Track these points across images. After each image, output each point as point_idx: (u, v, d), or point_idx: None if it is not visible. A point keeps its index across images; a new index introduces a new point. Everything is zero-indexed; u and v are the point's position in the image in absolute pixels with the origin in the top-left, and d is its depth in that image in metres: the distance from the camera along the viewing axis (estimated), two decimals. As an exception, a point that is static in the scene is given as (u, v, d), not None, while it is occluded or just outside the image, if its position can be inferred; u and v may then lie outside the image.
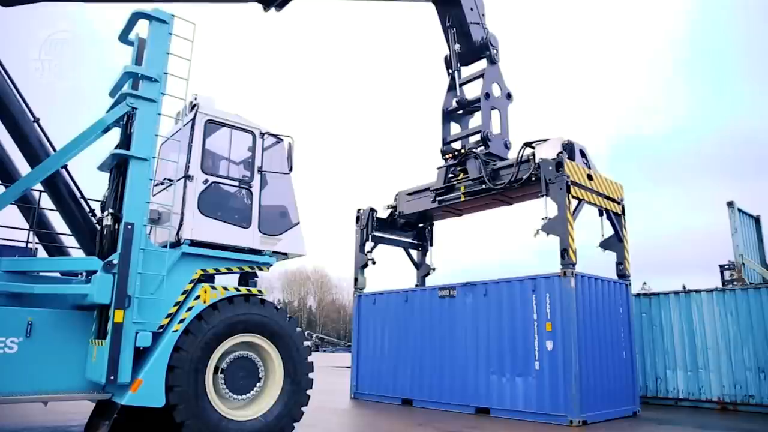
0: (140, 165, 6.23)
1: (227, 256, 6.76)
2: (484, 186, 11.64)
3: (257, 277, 7.12)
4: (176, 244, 6.42)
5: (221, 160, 7.37)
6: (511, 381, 10.03)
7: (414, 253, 15.07)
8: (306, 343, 7.14)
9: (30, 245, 7.81)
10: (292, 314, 11.03)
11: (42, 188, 7.17)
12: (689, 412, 11.25)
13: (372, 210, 13.86)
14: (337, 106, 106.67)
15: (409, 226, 14.63)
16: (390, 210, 14.16)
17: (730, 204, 14.52)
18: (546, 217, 10.09)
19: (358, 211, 14.04)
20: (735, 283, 14.78)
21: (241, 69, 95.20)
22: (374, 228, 13.79)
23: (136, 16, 6.75)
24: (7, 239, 7.64)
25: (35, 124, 7.14)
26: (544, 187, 10.19)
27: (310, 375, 7.00)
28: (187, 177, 6.56)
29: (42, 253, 7.99)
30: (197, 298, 6.30)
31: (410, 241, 14.94)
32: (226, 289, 6.56)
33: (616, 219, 11.44)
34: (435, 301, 11.83)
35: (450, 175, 12.54)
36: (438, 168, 12.91)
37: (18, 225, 7.55)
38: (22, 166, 7.21)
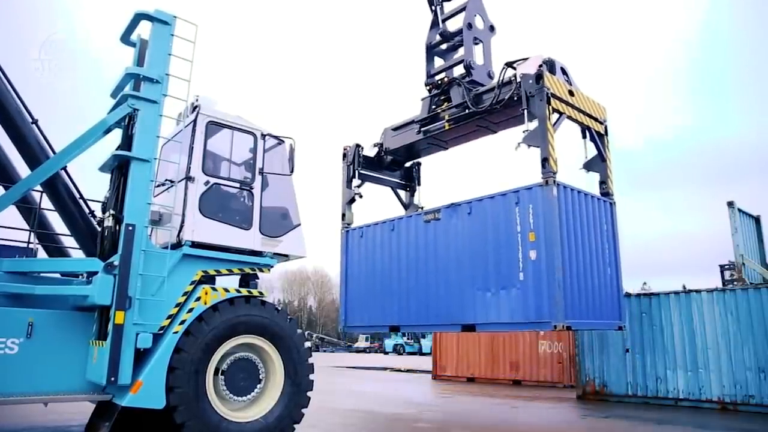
0: (141, 166, 6.22)
1: (228, 257, 6.75)
2: (467, 111, 11.46)
3: (258, 278, 7.11)
4: (177, 245, 6.41)
5: (222, 162, 7.35)
6: (496, 295, 9.92)
7: (402, 193, 14.86)
8: (306, 345, 7.14)
9: (30, 246, 7.81)
10: (292, 314, 11.03)
11: (41, 189, 7.15)
12: (689, 412, 11.27)
13: (358, 146, 13.61)
14: (326, 78, 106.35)
15: (396, 165, 14.40)
16: (377, 148, 13.88)
17: (731, 204, 14.52)
18: (526, 130, 9.97)
19: (345, 148, 13.76)
20: (735, 283, 14.80)
21: (229, 43, 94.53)
22: (361, 165, 13.54)
23: (138, 17, 6.73)
24: (8, 240, 7.63)
25: (34, 125, 7.12)
26: (524, 101, 10.04)
27: (311, 376, 7.00)
28: (189, 178, 6.55)
29: (42, 253, 7.98)
30: (198, 299, 6.29)
31: (398, 180, 14.70)
32: (226, 290, 6.55)
33: (599, 139, 11.33)
34: (420, 227, 11.71)
35: (434, 106, 12.34)
36: (422, 99, 12.62)
37: (18, 225, 7.54)
38: (21, 166, 7.20)
